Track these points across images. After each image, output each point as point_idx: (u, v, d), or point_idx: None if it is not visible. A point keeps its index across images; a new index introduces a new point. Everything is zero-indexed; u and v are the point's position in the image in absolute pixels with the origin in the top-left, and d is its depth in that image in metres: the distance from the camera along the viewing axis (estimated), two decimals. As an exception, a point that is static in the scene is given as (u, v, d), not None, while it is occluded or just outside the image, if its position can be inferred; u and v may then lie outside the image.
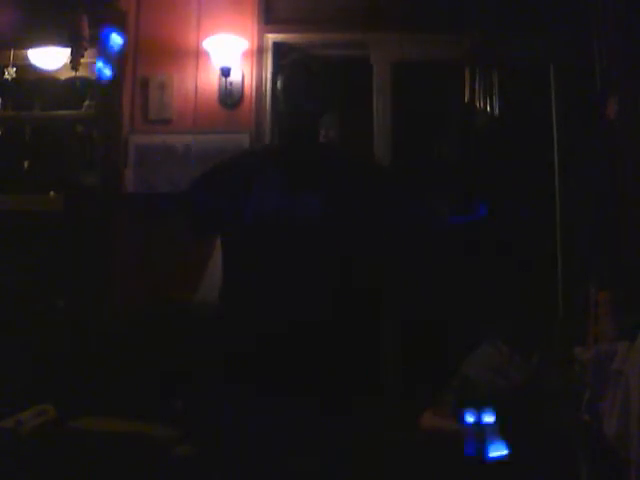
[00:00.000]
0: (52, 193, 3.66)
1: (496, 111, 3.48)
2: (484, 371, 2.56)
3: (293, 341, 1.83)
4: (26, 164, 3.80)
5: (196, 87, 3.55)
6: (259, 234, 1.90)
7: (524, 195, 3.42)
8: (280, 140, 2.20)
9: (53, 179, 3.70)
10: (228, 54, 3.44)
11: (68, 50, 3.46)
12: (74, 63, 3.43)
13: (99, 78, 3.31)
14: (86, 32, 3.39)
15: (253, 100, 3.53)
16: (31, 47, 3.63)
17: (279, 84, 2.07)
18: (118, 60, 3.42)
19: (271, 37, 3.59)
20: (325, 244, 1.88)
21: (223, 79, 3.48)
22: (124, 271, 3.40)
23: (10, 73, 3.79)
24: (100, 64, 3.23)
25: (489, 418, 2.30)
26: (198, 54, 3.54)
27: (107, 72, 3.24)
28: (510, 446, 2.26)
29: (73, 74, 3.63)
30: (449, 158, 3.68)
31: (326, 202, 1.89)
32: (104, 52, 3.22)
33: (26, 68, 3.77)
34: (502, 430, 2.28)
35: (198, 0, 3.59)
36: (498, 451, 2.25)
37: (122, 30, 3.48)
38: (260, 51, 3.55)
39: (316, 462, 1.83)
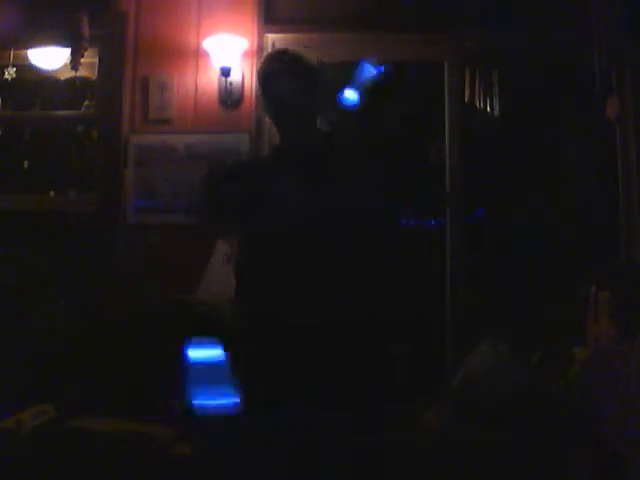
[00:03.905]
0: (52, 193, 3.66)
1: (496, 111, 3.49)
2: (484, 371, 2.56)
3: (317, 336, 1.85)
4: (26, 164, 3.80)
5: (196, 87, 3.55)
6: (273, 231, 1.92)
7: (524, 194, 3.42)
8: (280, 137, 2.20)
9: (53, 179, 3.71)
10: (228, 54, 3.43)
11: (68, 50, 3.46)
12: (74, 63, 3.44)
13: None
14: (86, 32, 3.40)
15: (253, 100, 3.52)
16: (31, 47, 3.63)
17: (259, 82, 2.09)
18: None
19: (271, 37, 3.59)
20: (337, 233, 1.90)
21: (223, 79, 3.48)
22: (125, 271, 3.41)
23: (10, 73, 3.80)
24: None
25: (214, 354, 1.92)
26: (198, 54, 3.54)
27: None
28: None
29: (73, 74, 3.64)
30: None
31: (331, 192, 1.91)
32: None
33: (26, 68, 3.78)
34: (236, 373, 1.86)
35: (198, 0, 3.59)
36: (223, 399, 1.86)
37: (122, 30, 3.50)
38: (260, 51, 3.55)
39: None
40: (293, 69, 2.03)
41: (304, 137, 2.02)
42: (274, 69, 2.03)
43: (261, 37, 3.57)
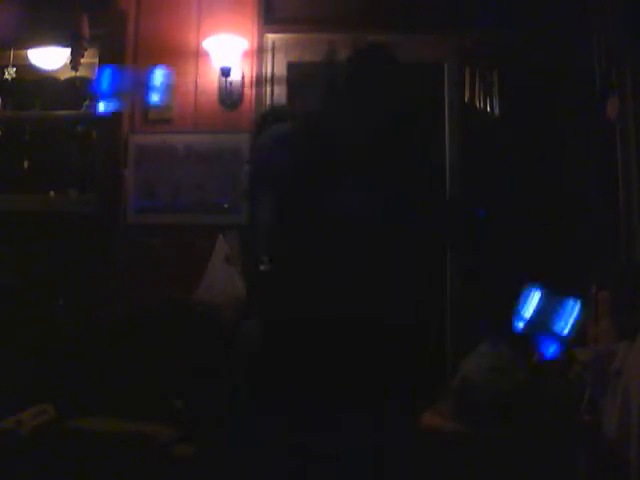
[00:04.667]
0: (52, 193, 3.66)
1: (496, 111, 3.49)
2: (484, 371, 2.56)
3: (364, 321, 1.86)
4: (26, 164, 3.80)
5: (196, 87, 3.55)
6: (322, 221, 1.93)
7: (524, 194, 3.41)
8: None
9: (53, 179, 3.71)
10: (228, 54, 3.44)
11: (68, 50, 3.46)
12: (74, 63, 3.44)
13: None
14: (86, 32, 3.40)
15: (253, 100, 3.53)
16: (31, 47, 3.63)
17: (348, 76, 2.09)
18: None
19: (271, 37, 3.59)
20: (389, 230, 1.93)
21: (223, 79, 3.49)
22: (126, 270, 3.41)
23: (10, 73, 3.80)
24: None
25: None
26: (198, 54, 3.54)
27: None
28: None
29: (73, 74, 3.64)
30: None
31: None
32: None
33: (26, 68, 3.78)
34: None
35: (198, 0, 3.59)
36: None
37: (122, 30, 3.51)
38: (260, 51, 3.55)
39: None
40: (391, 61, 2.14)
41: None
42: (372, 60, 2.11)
43: (261, 37, 3.57)
